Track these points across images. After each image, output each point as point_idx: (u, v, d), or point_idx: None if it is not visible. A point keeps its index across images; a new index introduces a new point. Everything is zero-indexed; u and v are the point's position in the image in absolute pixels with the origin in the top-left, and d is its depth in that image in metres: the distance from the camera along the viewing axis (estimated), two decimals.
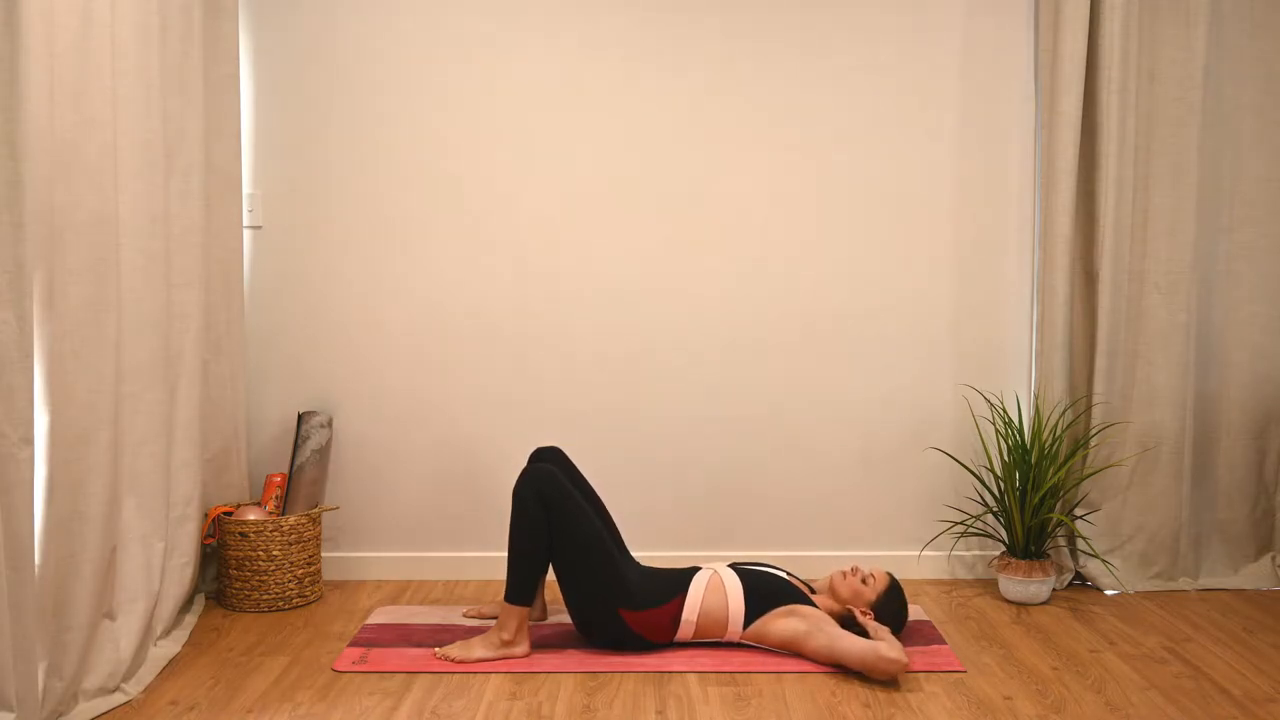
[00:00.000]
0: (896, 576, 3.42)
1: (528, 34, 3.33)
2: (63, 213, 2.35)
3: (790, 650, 2.72)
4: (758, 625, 2.74)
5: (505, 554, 3.33)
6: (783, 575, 2.88)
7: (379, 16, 3.32)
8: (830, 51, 3.34)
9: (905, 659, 2.56)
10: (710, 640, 2.79)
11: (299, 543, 3.13)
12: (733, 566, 2.86)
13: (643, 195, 3.37)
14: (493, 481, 3.40)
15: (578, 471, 2.96)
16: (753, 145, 3.36)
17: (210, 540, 3.14)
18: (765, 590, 2.77)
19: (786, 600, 2.75)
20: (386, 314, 3.38)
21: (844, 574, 2.84)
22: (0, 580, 2.03)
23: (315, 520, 3.20)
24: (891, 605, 2.79)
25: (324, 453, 3.29)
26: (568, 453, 3.27)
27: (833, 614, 2.78)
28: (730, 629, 2.76)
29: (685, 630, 2.76)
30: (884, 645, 2.58)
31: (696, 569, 2.84)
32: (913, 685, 2.56)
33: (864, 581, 2.80)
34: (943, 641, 2.84)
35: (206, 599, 3.19)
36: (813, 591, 2.91)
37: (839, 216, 3.39)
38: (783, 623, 2.72)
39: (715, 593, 2.76)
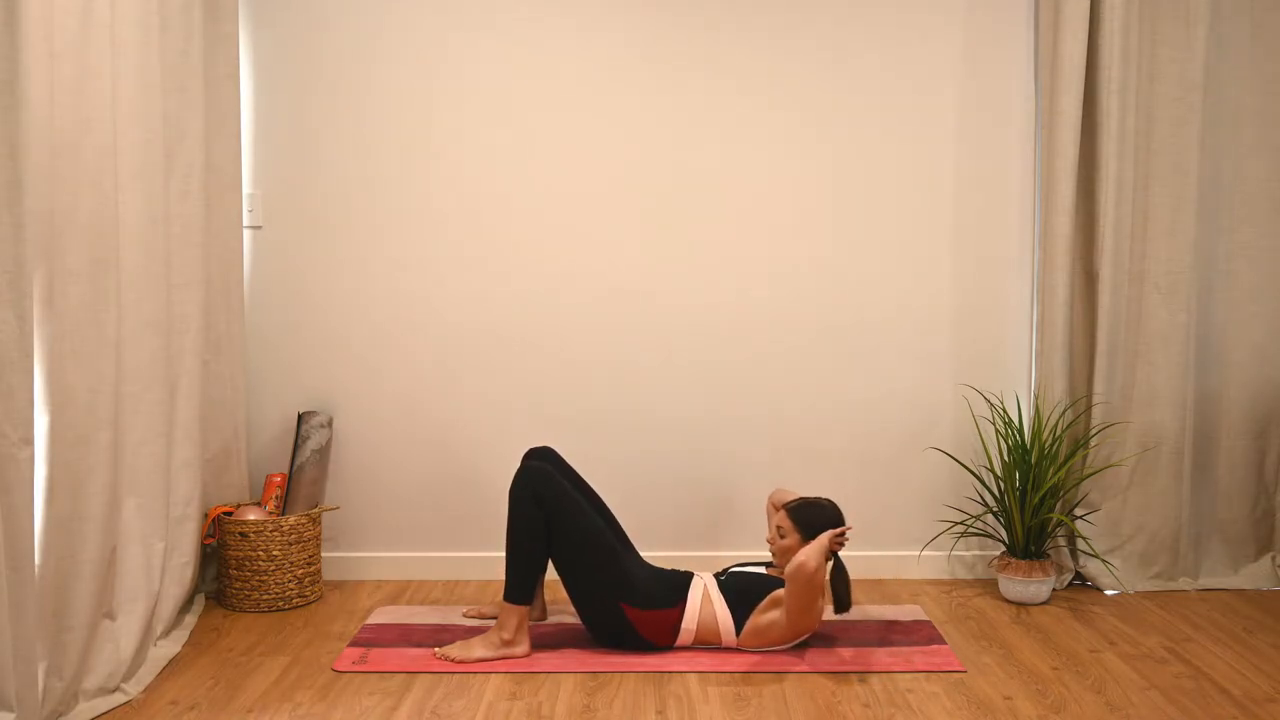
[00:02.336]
0: (896, 576, 3.43)
1: (529, 34, 3.33)
2: (63, 213, 2.35)
3: (789, 639, 2.73)
4: (750, 628, 2.74)
5: (504, 554, 3.33)
6: (760, 571, 2.87)
7: (379, 16, 3.32)
8: (829, 52, 3.34)
9: (806, 558, 2.58)
10: (710, 646, 2.79)
11: (299, 543, 3.13)
12: (716, 575, 2.87)
13: (642, 198, 3.37)
14: (493, 481, 3.40)
15: (572, 470, 2.97)
16: (751, 146, 3.36)
17: (210, 540, 3.14)
18: (741, 591, 2.78)
19: (763, 593, 2.75)
20: (387, 314, 3.38)
21: (774, 555, 2.86)
22: (0, 580, 2.03)
23: (315, 520, 3.20)
24: (811, 516, 2.80)
25: (324, 453, 3.29)
26: (567, 453, 3.27)
27: None
28: (725, 639, 2.76)
29: (685, 638, 2.77)
30: (788, 567, 2.61)
31: (691, 576, 2.84)
32: (913, 685, 2.57)
33: (781, 536, 2.82)
34: (943, 641, 2.84)
35: (206, 599, 3.19)
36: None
37: (838, 217, 3.39)
38: (766, 617, 2.73)
39: (707, 604, 2.77)
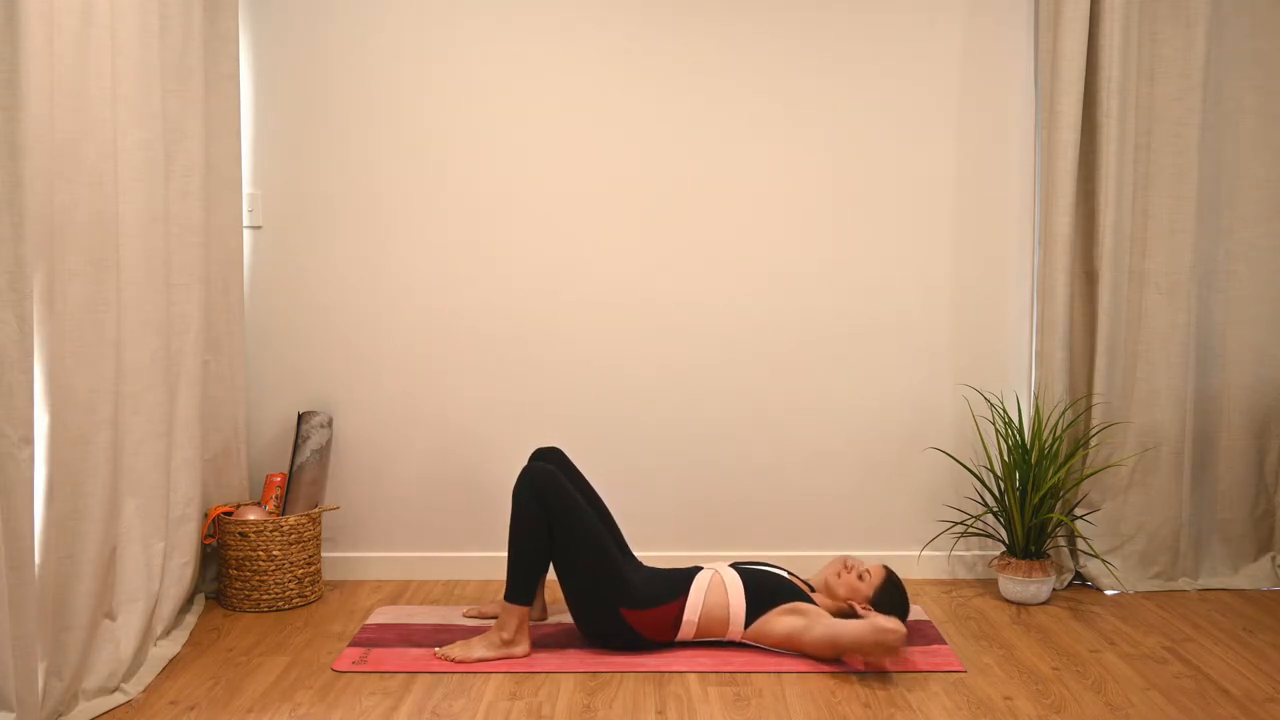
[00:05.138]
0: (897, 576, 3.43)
1: (530, 34, 3.33)
2: (63, 213, 2.35)
3: (790, 648, 2.72)
4: (759, 624, 2.74)
5: (505, 554, 3.34)
6: (784, 574, 2.88)
7: (379, 16, 3.32)
8: (828, 52, 3.34)
9: (903, 629, 2.57)
10: (712, 640, 2.79)
11: (299, 543, 3.13)
12: (734, 566, 2.86)
13: (643, 198, 3.37)
14: (493, 481, 3.40)
15: (578, 471, 2.97)
16: (751, 147, 3.36)
17: (210, 540, 3.14)
18: (766, 589, 2.77)
19: (787, 599, 2.75)
20: (387, 314, 3.38)
21: (838, 571, 2.84)
22: (0, 580, 2.03)
23: (315, 520, 3.20)
24: (890, 598, 2.80)
25: (324, 453, 3.29)
26: (568, 453, 3.27)
27: (832, 611, 2.79)
28: (731, 629, 2.76)
29: (686, 630, 2.76)
30: (879, 618, 2.60)
31: (698, 569, 2.84)
32: (913, 685, 2.57)
33: (860, 577, 2.81)
34: (943, 641, 2.84)
35: (206, 599, 3.19)
36: (812, 590, 2.91)
37: (838, 217, 3.39)
38: (783, 620, 2.72)
39: (716, 592, 2.76)
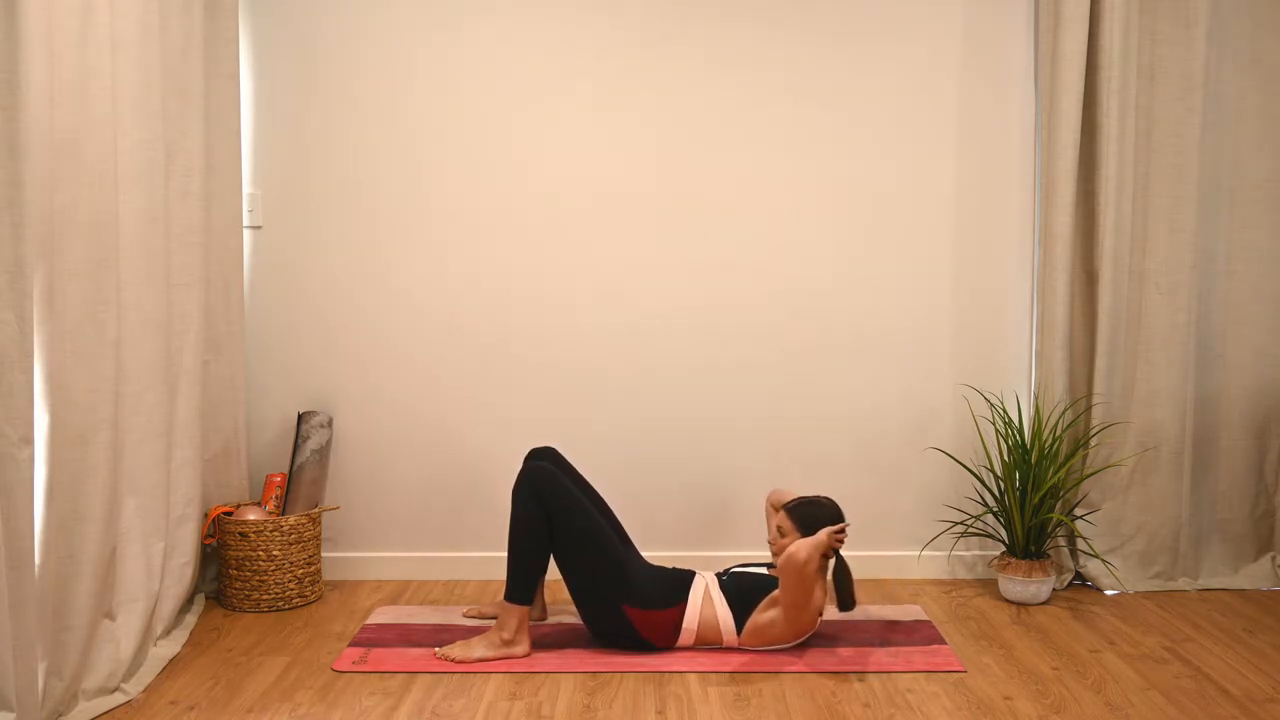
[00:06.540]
0: (895, 575, 3.43)
1: (533, 37, 3.33)
2: (63, 213, 2.35)
3: (789, 638, 2.73)
4: (750, 627, 2.74)
5: (505, 554, 3.33)
6: (761, 570, 2.87)
7: (380, 16, 3.32)
8: (829, 53, 3.34)
9: (796, 549, 2.59)
10: (711, 646, 2.79)
11: (299, 543, 3.13)
12: (717, 575, 2.87)
13: (641, 200, 3.37)
14: (492, 481, 3.40)
15: (575, 470, 2.97)
16: (751, 147, 3.36)
17: (210, 540, 3.14)
18: (742, 590, 2.78)
19: (763, 592, 2.76)
20: (387, 314, 3.38)
21: (774, 555, 2.84)
22: (0, 580, 2.03)
23: (315, 520, 3.20)
24: (810, 515, 2.78)
25: (324, 453, 3.29)
26: (568, 454, 3.27)
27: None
28: (726, 639, 2.76)
29: (686, 638, 2.77)
30: (780, 559, 2.63)
31: (692, 574, 2.84)
32: (913, 685, 2.57)
33: (781, 535, 2.80)
34: (943, 641, 2.84)
35: (206, 599, 3.19)
36: None
37: (838, 217, 3.39)
38: (768, 617, 2.73)
39: (708, 605, 2.77)
